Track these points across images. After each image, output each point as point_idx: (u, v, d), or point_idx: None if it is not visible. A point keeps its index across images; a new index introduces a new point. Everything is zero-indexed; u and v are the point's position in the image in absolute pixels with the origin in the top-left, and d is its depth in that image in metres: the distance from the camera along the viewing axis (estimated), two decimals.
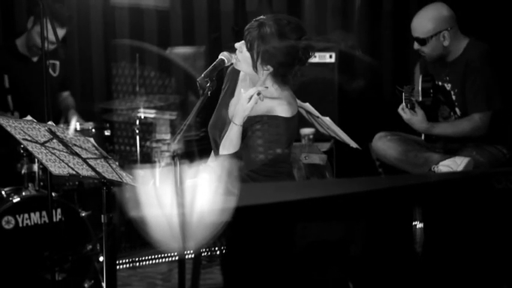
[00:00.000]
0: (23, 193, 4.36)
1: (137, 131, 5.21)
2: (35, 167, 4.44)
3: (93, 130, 4.75)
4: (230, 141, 3.34)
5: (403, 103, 4.54)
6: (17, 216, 4.25)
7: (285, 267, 2.67)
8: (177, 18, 5.91)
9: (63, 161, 3.19)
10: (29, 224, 4.28)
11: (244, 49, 3.35)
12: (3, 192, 4.39)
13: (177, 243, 2.68)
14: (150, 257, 4.95)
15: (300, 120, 3.57)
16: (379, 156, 4.79)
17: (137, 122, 5.18)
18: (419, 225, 2.89)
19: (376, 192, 2.69)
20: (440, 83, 4.67)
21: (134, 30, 5.84)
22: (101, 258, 4.40)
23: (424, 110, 4.55)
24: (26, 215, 4.27)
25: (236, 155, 3.34)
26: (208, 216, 2.63)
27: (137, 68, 5.43)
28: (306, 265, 2.69)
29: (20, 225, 4.26)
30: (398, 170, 4.65)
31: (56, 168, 3.25)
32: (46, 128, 3.07)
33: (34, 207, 4.29)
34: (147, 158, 5.21)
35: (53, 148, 3.14)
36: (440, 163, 4.40)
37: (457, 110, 4.62)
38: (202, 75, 3.27)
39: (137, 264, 4.94)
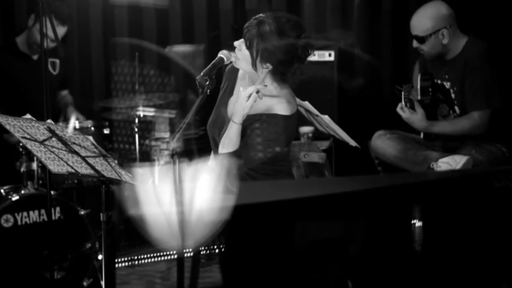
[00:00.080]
0: (22, 191, 4.36)
1: (136, 129, 5.21)
2: (34, 165, 4.44)
3: (92, 128, 4.75)
4: (229, 140, 3.34)
5: (402, 102, 4.53)
6: (16, 214, 4.24)
7: (284, 266, 2.67)
8: (176, 16, 5.91)
9: (62, 159, 3.19)
10: (28, 222, 4.28)
11: (244, 47, 3.34)
12: (2, 191, 4.38)
13: (176, 242, 2.68)
14: (149, 255, 4.95)
15: (299, 118, 3.56)
16: (378, 154, 4.78)
17: (136, 120, 5.18)
18: (418, 223, 2.89)
19: (375, 191, 2.68)
20: (439, 81, 4.66)
21: (133, 28, 5.85)
22: (100, 257, 4.39)
23: (423, 108, 4.54)
24: (25, 213, 4.26)
25: (235, 154, 3.33)
26: (207, 214, 2.62)
27: (136, 66, 5.43)
28: (305, 264, 2.69)
29: (19, 223, 4.25)
30: (397, 169, 4.64)
31: (55, 167, 3.25)
32: (45, 126, 3.07)
33: (33, 206, 4.29)
34: (146, 156, 5.21)
35: (52, 146, 3.14)
36: (440, 160, 4.39)
37: (456, 108, 4.61)
38: (202, 73, 3.27)
39: (136, 262, 4.93)
